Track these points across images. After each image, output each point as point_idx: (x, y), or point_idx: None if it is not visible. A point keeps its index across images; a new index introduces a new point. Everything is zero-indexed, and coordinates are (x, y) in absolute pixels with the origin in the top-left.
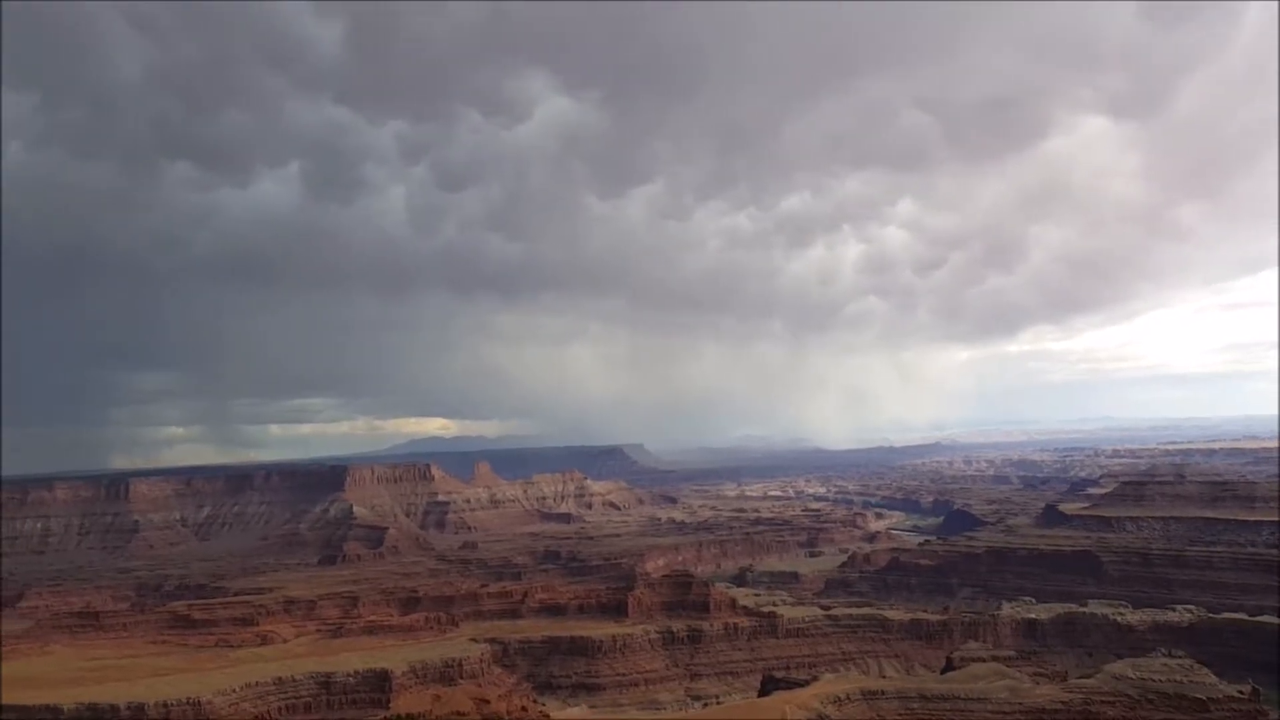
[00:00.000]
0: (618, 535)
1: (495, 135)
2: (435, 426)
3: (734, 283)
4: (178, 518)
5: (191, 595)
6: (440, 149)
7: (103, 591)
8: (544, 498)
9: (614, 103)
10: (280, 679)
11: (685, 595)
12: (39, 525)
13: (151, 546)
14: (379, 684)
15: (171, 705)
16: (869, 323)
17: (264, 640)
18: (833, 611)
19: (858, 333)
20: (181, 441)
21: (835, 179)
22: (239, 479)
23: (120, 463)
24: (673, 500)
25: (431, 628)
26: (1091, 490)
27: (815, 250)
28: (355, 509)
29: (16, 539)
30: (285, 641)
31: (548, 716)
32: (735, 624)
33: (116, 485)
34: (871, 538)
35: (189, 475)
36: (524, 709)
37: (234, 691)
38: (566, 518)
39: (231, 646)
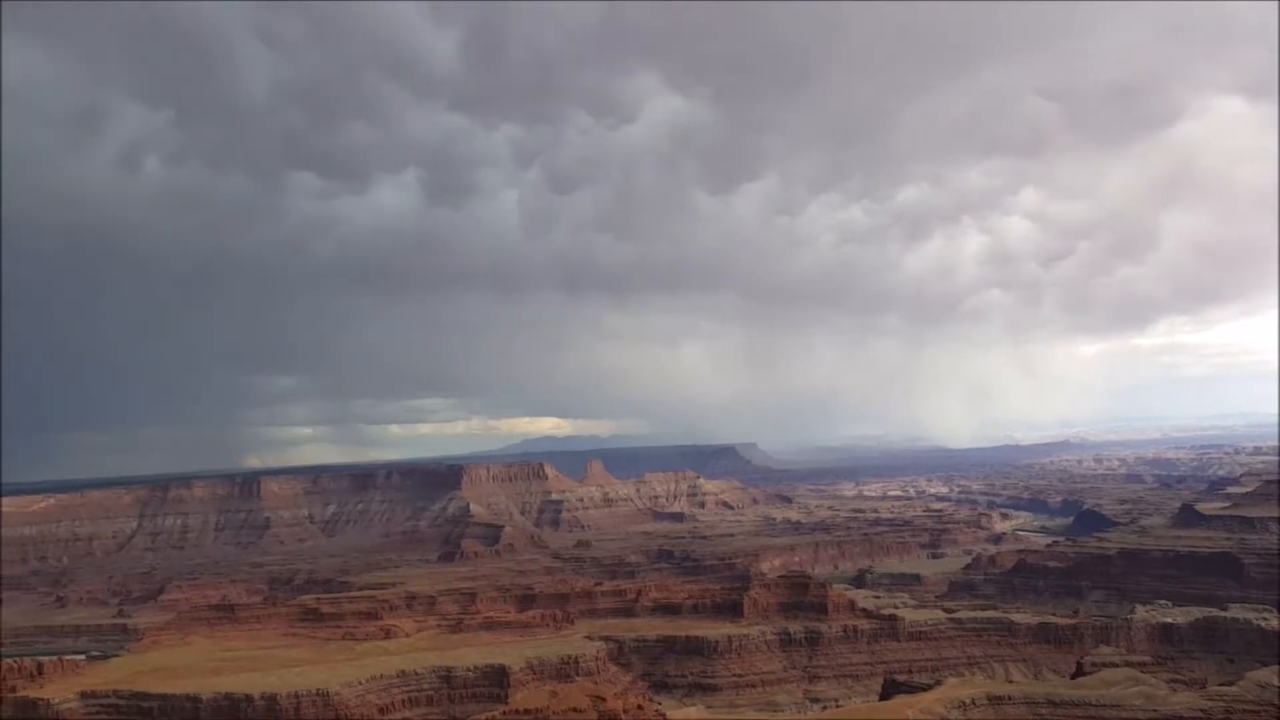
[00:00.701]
0: (731, 535)
1: (604, 136)
2: (548, 426)
3: (848, 278)
4: (306, 514)
5: (319, 589)
6: (551, 151)
7: (237, 585)
8: (656, 497)
9: (724, 99)
10: (403, 672)
11: (802, 596)
12: (179, 522)
13: (282, 542)
14: (497, 679)
15: (302, 696)
16: (990, 317)
17: (387, 634)
18: (957, 614)
19: (979, 327)
20: (308, 441)
21: (954, 169)
22: (362, 477)
23: (252, 462)
24: (788, 500)
25: (547, 625)
26: (1231, 489)
27: (933, 243)
28: (472, 507)
29: (159, 534)
30: (407, 636)
31: (664, 716)
32: (855, 626)
33: (249, 483)
34: (997, 539)
35: (316, 474)
36: (639, 707)
37: (360, 684)
38: (679, 517)
39: (357, 640)
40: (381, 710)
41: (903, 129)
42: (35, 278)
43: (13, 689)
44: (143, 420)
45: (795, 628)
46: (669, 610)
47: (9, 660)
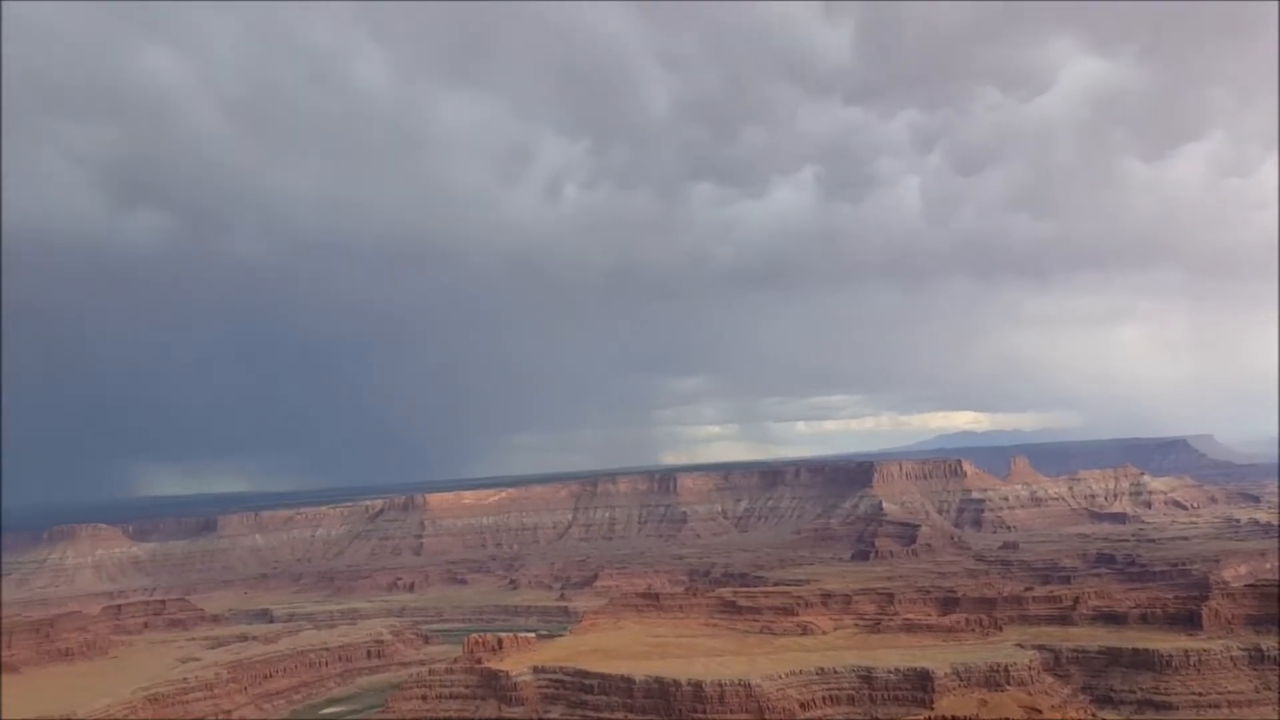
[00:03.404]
0: (1185, 538)
1: (1015, 110)
2: (965, 420)
3: None
4: (719, 510)
5: (735, 583)
6: (955, 133)
7: (660, 575)
8: (1092, 495)
9: (1154, 55)
10: (823, 669)
11: (1275, 609)
12: (607, 514)
13: (698, 535)
14: (920, 683)
15: (726, 685)
16: None
17: (804, 630)
18: None
19: None
20: (718, 439)
21: None
22: (771, 474)
23: (669, 459)
24: (1255, 498)
25: (972, 629)
26: None
27: None
28: (885, 505)
29: (591, 525)
30: (824, 633)
31: None
32: None
33: (666, 479)
34: None
35: (727, 470)
36: None
37: (780, 677)
38: (1120, 517)
39: (774, 634)
40: (802, 706)
41: None
42: (485, 300)
43: (478, 660)
44: (573, 422)
45: (1269, 644)
46: (1112, 619)
47: (475, 635)
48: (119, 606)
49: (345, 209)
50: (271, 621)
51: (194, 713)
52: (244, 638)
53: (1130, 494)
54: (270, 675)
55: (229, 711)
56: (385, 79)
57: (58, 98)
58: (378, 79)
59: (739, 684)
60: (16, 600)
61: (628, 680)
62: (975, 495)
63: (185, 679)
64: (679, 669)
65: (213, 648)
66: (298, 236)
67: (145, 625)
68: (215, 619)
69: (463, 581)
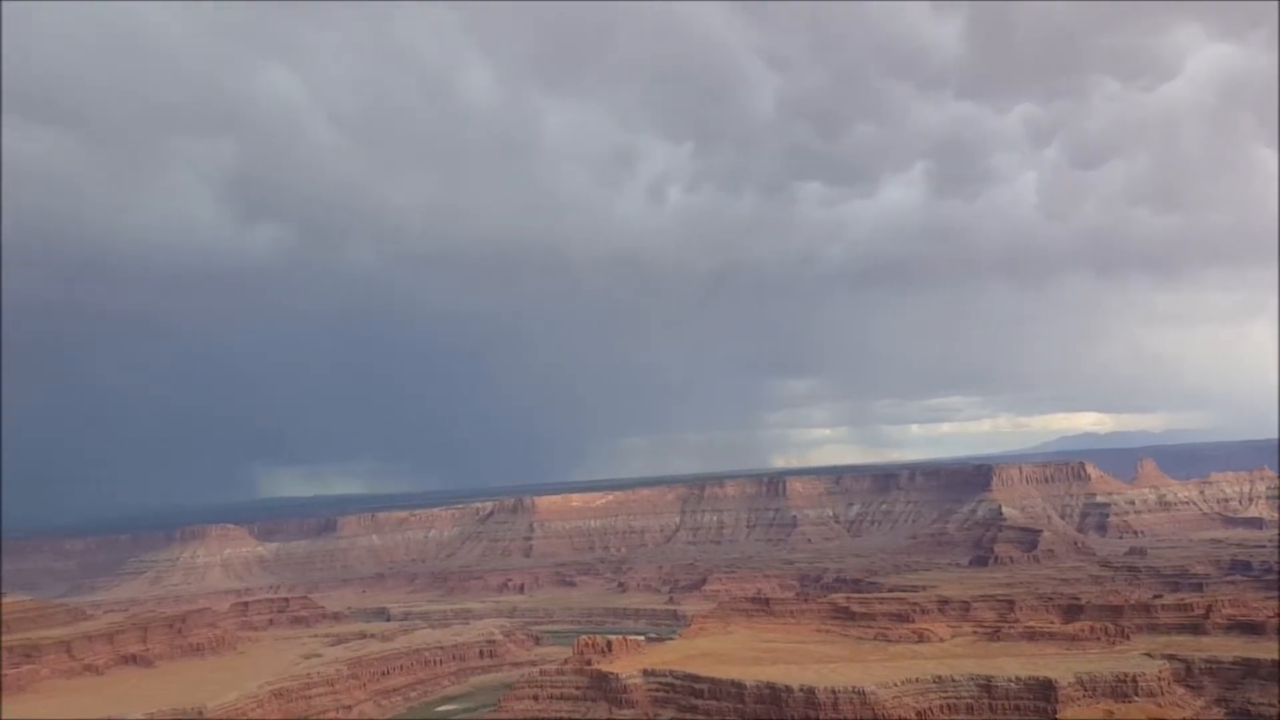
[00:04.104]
0: None
1: (1137, 100)
2: (1087, 422)
3: None
4: (830, 514)
5: (848, 588)
6: (1073, 125)
7: (770, 580)
8: (1226, 499)
9: None
10: (940, 678)
11: None
12: (715, 518)
13: (809, 540)
14: (1043, 693)
15: (839, 692)
16: None
17: (920, 638)
18: None
19: None
20: (829, 442)
21: None
22: (885, 478)
23: (777, 462)
24: None
25: (1098, 638)
26: None
27: None
28: (1004, 509)
29: (698, 529)
30: (942, 640)
31: None
32: None
33: (775, 483)
34: None
35: (838, 474)
36: None
37: (895, 685)
38: (1256, 522)
39: (889, 641)
40: (919, 714)
41: None
42: (590, 304)
43: (588, 662)
44: (679, 425)
45: None
46: (1248, 629)
47: (585, 636)
48: (246, 604)
49: (454, 217)
50: (388, 620)
51: (316, 708)
52: (363, 635)
53: (1267, 497)
54: (388, 672)
55: (349, 707)
56: (492, 87)
57: (182, 117)
58: (485, 87)
59: (853, 691)
60: (151, 597)
61: (738, 685)
62: (1100, 499)
63: (308, 674)
64: (791, 675)
65: (333, 644)
66: (408, 246)
67: (270, 622)
68: (335, 616)
69: (571, 584)
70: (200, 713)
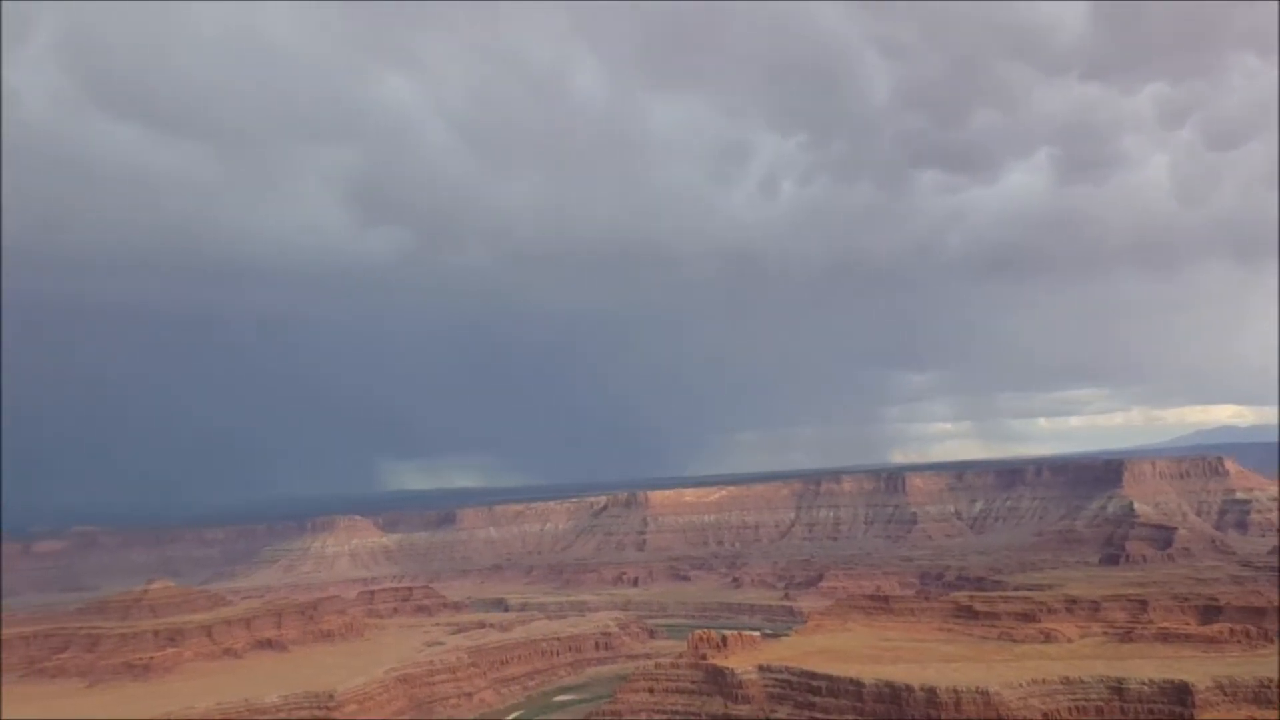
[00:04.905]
0: None
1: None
2: (1226, 415)
3: None
4: (951, 510)
5: (970, 587)
6: (1208, 105)
7: (889, 577)
8: None
9: None
10: (1068, 679)
11: None
12: (831, 514)
13: (930, 537)
14: (1178, 697)
15: (962, 692)
16: None
17: (1047, 638)
18: None
19: None
20: (950, 437)
21: None
22: (1009, 474)
23: (896, 457)
24: None
25: (1238, 641)
26: None
27: None
28: (1136, 506)
29: (814, 525)
30: (1069, 641)
31: None
32: None
33: (894, 479)
34: None
35: (959, 469)
36: None
37: (1021, 686)
38: None
39: (1014, 641)
40: (1045, 716)
41: None
42: (704, 299)
43: (703, 656)
44: (794, 420)
45: None
46: None
47: (700, 631)
48: (372, 592)
49: (564, 216)
50: (506, 610)
51: (439, 693)
52: (482, 625)
53: None
54: (507, 661)
55: (470, 694)
56: (601, 85)
57: (310, 126)
58: (594, 86)
59: (976, 691)
60: (284, 584)
61: (857, 683)
62: (1240, 496)
63: (431, 661)
64: (911, 674)
65: (454, 633)
66: (521, 245)
67: (395, 610)
68: (456, 606)
69: (685, 578)
70: (331, 696)
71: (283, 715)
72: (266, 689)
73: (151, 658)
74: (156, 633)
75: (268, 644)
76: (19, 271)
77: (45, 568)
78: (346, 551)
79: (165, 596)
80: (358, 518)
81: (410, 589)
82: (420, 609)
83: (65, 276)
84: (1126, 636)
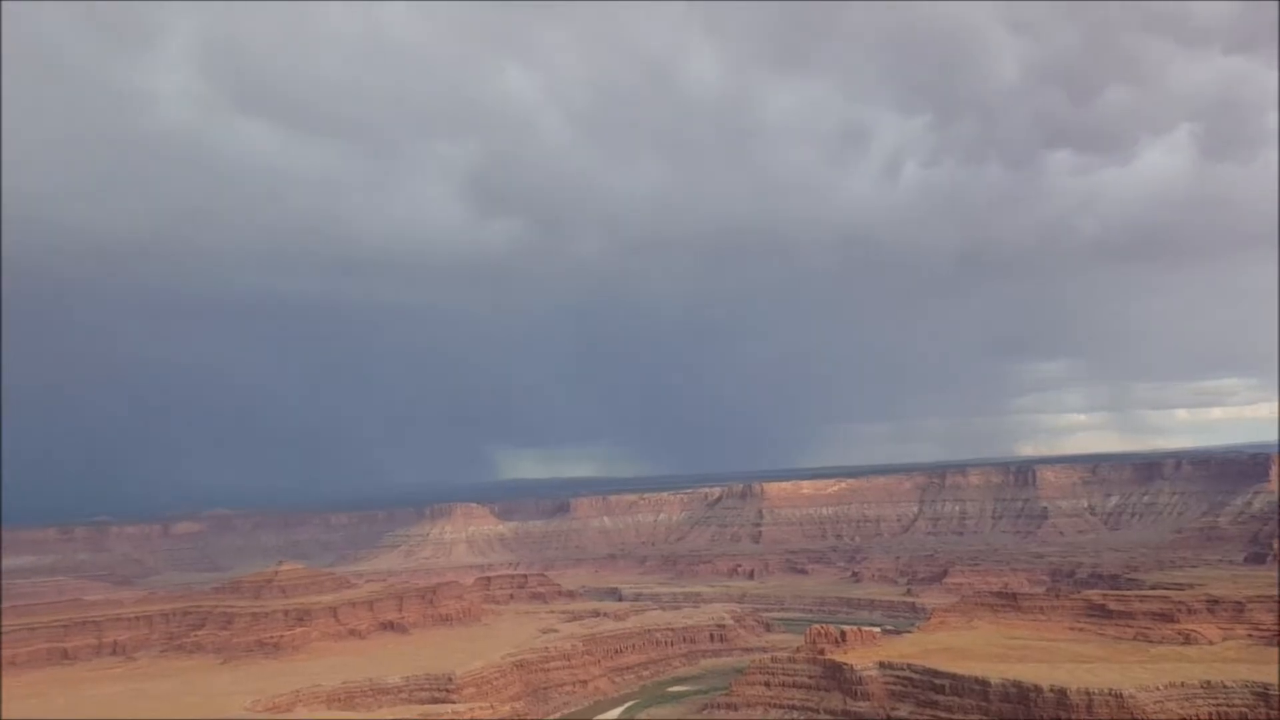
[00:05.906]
0: None
1: None
2: None
3: None
4: (1085, 505)
5: (1104, 585)
6: None
7: (1017, 573)
8: None
9: None
10: (1209, 683)
11: None
12: (957, 508)
13: (1061, 533)
14: None
15: (1094, 694)
16: None
17: (1186, 639)
18: None
19: None
20: (1083, 429)
21: None
22: (1147, 467)
23: (1025, 450)
24: None
25: None
26: None
27: None
28: None
29: (938, 519)
30: (1211, 644)
31: None
32: None
33: (1024, 472)
34: None
35: (1094, 463)
36: None
37: (1158, 689)
38: None
39: (1150, 642)
40: None
41: None
42: (823, 287)
43: (821, 651)
44: (917, 410)
45: None
46: None
47: (817, 625)
48: (489, 579)
49: (680, 204)
50: (620, 600)
51: (554, 680)
52: (596, 614)
53: None
54: (621, 651)
55: (585, 682)
56: (716, 72)
57: (430, 119)
58: (709, 73)
59: (1109, 693)
60: (405, 569)
61: (983, 683)
62: None
63: (547, 648)
64: (1040, 674)
65: (569, 621)
66: (636, 234)
67: (511, 596)
68: (570, 594)
69: (802, 571)
70: (450, 679)
71: (404, 695)
72: (389, 670)
73: (281, 636)
74: (286, 612)
75: (390, 626)
76: (157, 266)
77: (184, 548)
78: (464, 538)
79: (294, 578)
80: (475, 505)
81: (526, 576)
82: (535, 596)
83: (198, 271)
84: (1274, 640)
